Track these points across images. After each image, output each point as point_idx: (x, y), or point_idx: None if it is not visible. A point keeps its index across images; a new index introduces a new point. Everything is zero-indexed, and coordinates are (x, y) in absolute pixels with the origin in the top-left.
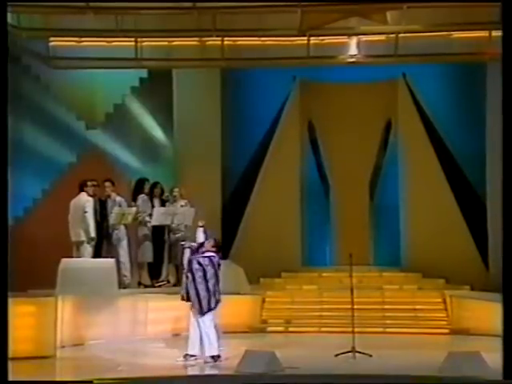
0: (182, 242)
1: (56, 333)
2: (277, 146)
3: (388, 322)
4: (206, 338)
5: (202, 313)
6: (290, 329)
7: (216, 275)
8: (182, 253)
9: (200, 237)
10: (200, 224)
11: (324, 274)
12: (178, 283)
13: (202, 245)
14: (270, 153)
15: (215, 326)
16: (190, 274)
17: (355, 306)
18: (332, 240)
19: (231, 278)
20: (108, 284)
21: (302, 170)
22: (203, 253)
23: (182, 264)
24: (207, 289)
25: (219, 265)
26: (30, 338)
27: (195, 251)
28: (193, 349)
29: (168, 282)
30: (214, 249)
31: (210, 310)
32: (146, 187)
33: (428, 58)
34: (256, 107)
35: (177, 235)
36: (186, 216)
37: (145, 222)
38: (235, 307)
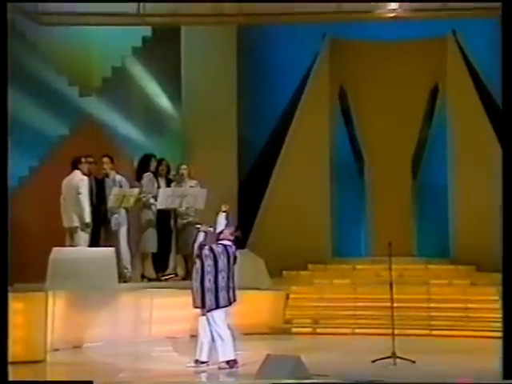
0: (198, 225)
1: (46, 334)
2: (303, 116)
3: (434, 322)
4: (218, 340)
5: (204, 309)
6: (318, 330)
7: (229, 267)
8: (195, 239)
9: (221, 223)
10: (223, 209)
11: (358, 267)
12: (187, 276)
13: (220, 233)
14: (294, 124)
15: (229, 327)
16: (198, 261)
17: (395, 304)
18: (368, 226)
19: (249, 271)
20: (106, 277)
21: (331, 143)
22: (218, 240)
23: (192, 250)
24: (215, 281)
25: (235, 257)
26: (15, 339)
27: (212, 238)
28: (203, 354)
29: (176, 275)
30: (232, 237)
31: (217, 307)
32: (153, 165)
33: (482, 11)
34: (279, 71)
35: (185, 220)
36: (197, 198)
37: (149, 205)
38: (254, 305)
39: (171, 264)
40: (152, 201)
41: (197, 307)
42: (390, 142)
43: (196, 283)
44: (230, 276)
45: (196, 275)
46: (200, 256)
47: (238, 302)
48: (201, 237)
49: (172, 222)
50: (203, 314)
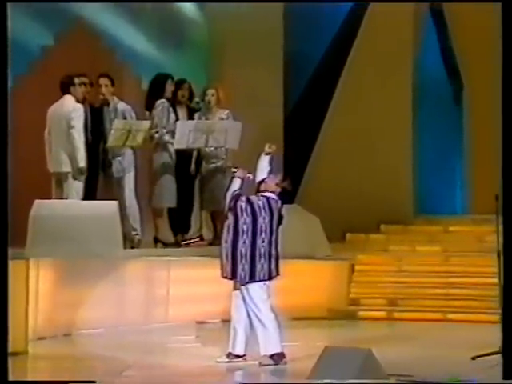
0: (234, 169)
1: (28, 317)
2: (374, 21)
3: None
4: (259, 327)
5: (236, 281)
6: (396, 314)
7: (272, 228)
8: (228, 187)
9: (264, 169)
10: (267, 150)
11: (452, 228)
12: (215, 241)
13: (262, 182)
14: (361, 33)
15: (273, 310)
16: (231, 216)
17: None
18: (464, 173)
19: (300, 234)
20: (107, 241)
21: (415, 59)
22: (259, 192)
23: (224, 202)
24: (253, 245)
25: (281, 216)
26: None
27: (251, 188)
28: (238, 345)
29: (201, 238)
30: (277, 189)
31: (252, 279)
32: (169, 89)
33: None
34: None
35: (213, 165)
36: (229, 134)
37: (164, 144)
38: (307, 279)
39: (194, 224)
40: (168, 138)
41: (225, 277)
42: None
43: (226, 245)
44: (272, 240)
45: (227, 235)
46: (234, 209)
47: (284, 275)
48: (236, 184)
49: (195, 167)
50: (236, 288)
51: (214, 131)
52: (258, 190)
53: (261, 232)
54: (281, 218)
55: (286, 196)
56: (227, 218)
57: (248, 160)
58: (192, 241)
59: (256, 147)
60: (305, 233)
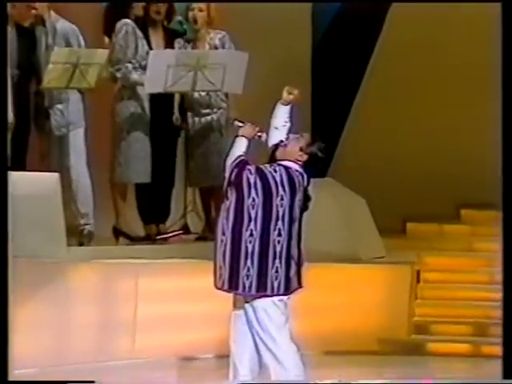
0: (238, 124)
1: None
2: None
3: None
4: (273, 365)
5: (238, 292)
6: (485, 349)
7: (292, 214)
8: (229, 151)
9: (281, 125)
10: (287, 98)
11: None
12: (208, 233)
13: (279, 144)
14: None
15: (293, 339)
16: (232, 194)
17: None
18: None
19: (337, 224)
20: (41, 234)
21: None
22: (275, 160)
23: (224, 168)
24: (262, 238)
25: (307, 197)
26: None
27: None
28: None
29: (185, 230)
30: (303, 156)
31: (263, 292)
32: (137, 3)
33: None
34: None
35: (206, 118)
36: (229, 72)
37: (131, 87)
38: (348, 295)
39: (176, 208)
40: (136, 77)
41: (221, 288)
42: None
43: (224, 238)
44: (292, 233)
45: (225, 223)
46: (237, 184)
47: (312, 287)
48: (240, 147)
49: (178, 123)
50: (237, 306)
51: (206, 67)
52: (274, 158)
53: (276, 220)
54: (307, 198)
55: (316, 167)
56: (227, 197)
57: (257, 112)
58: (172, 234)
59: (269, 93)
60: (344, 222)
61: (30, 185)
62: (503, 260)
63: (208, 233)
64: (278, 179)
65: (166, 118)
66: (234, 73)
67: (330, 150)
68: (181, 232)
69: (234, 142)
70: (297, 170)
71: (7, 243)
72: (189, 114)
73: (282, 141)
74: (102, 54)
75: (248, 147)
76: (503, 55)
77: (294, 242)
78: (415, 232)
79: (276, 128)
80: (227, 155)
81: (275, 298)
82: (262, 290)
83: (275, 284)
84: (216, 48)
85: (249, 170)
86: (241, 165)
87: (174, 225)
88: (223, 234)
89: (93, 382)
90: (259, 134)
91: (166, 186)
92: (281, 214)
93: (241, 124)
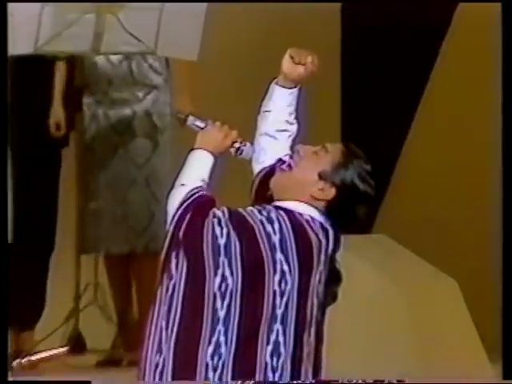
0: (190, 118)
1: None
2: None
3: None
4: None
5: None
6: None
7: (299, 314)
8: (178, 174)
9: (276, 128)
10: (289, 69)
11: None
12: (124, 352)
13: (276, 165)
14: None
15: None
16: (181, 266)
17: None
18: None
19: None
20: None
21: None
22: (268, 198)
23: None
24: (242, 357)
25: (336, 274)
26: None
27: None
28: None
29: (76, 346)
30: (323, 192)
31: None
32: None
33: None
34: None
35: (118, 113)
36: (169, 17)
37: None
38: None
39: (56, 300)
40: None
41: None
42: None
43: (158, 358)
44: (303, 350)
45: (163, 327)
46: (194, 248)
47: None
48: (200, 169)
49: (60, 130)
50: None
51: (124, 7)
52: (265, 192)
53: (270, 323)
54: (335, 278)
55: (353, 214)
56: (168, 276)
57: (232, 101)
58: (44, 355)
59: (257, 64)
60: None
61: None
62: (503, 260)
63: (124, 351)
64: (274, 238)
65: (35, 124)
66: (182, 22)
67: (381, 183)
68: (63, 350)
69: (185, 160)
70: (313, 220)
71: (7, 243)
72: (85, 105)
73: (281, 159)
74: None
75: (213, 168)
76: (503, 56)
77: (309, 358)
78: None
79: (268, 134)
80: (170, 189)
81: None
82: None
83: None
84: None
85: (216, 217)
86: (199, 207)
87: (52, 335)
88: (159, 351)
89: (89, 382)
90: (237, 144)
91: (39, 250)
92: (279, 311)
93: (199, 123)
